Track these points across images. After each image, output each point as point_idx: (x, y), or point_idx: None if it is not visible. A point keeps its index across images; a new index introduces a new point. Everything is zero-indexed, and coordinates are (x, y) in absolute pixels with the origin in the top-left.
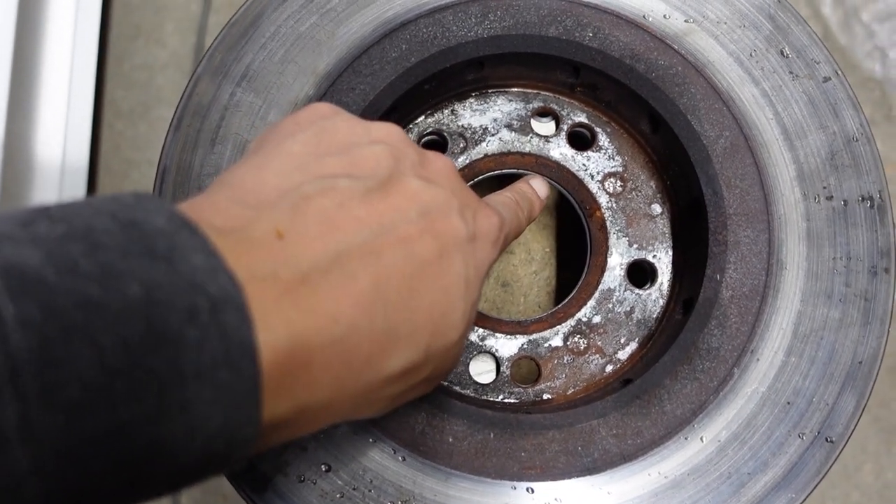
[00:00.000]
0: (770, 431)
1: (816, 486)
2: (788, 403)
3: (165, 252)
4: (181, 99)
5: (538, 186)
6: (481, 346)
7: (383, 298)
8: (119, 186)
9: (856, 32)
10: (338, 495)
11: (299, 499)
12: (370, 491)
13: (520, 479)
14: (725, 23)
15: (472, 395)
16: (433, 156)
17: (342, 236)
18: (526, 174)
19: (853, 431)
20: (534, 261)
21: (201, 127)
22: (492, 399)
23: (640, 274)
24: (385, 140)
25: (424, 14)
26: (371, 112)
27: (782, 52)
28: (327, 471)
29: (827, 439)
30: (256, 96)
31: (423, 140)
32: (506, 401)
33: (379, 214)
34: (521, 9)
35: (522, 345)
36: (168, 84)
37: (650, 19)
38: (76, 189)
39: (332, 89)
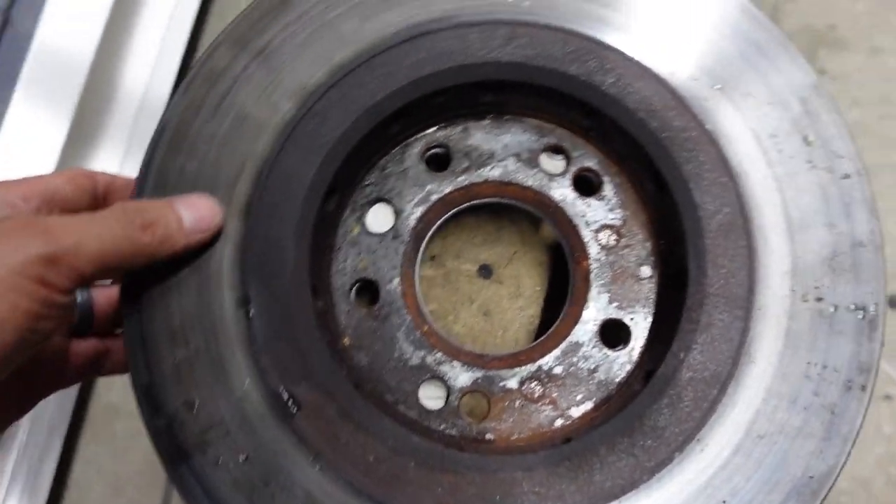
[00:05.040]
0: None
1: None
2: (724, 502)
3: None
4: (195, 63)
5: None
6: (435, 370)
7: None
8: None
9: None
10: (247, 486)
11: (211, 482)
12: (280, 491)
13: None
14: (754, 96)
15: (415, 418)
16: None
17: None
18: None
19: None
20: (521, 296)
21: (208, 94)
22: (433, 426)
23: (613, 334)
24: None
25: (451, 27)
26: (375, 112)
27: (806, 139)
28: (244, 461)
29: None
30: (268, 73)
31: (428, 152)
32: (447, 431)
33: None
34: (547, 40)
35: (477, 378)
36: None
37: (676, 76)
38: (152, 119)
39: (342, 81)
